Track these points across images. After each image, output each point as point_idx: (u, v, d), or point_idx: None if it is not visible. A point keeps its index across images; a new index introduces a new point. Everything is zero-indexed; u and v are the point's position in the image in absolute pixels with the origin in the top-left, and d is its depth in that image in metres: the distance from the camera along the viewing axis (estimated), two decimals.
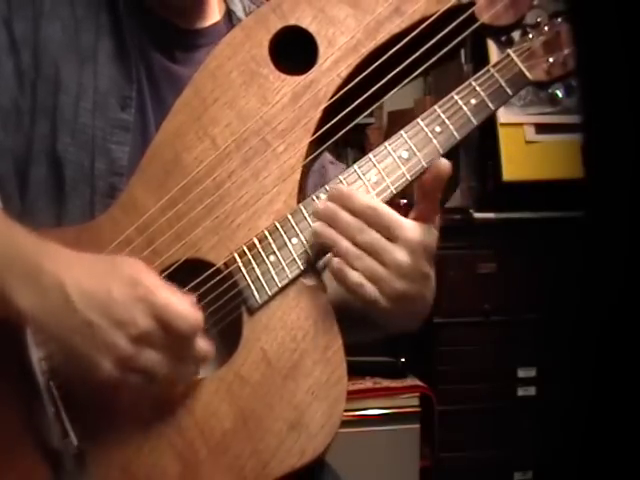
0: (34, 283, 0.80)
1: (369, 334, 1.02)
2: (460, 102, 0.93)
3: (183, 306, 0.81)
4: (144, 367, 0.80)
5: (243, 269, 0.88)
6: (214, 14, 1.06)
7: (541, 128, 2.39)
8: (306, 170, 0.93)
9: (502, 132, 2.37)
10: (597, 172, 0.45)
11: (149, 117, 0.99)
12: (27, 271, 0.81)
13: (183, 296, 0.83)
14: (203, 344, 0.83)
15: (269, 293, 0.88)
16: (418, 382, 2.31)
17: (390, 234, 0.85)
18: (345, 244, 0.85)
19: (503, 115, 2.34)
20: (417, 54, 0.91)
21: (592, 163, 0.45)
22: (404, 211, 0.88)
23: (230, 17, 1.08)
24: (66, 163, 0.94)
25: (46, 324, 0.80)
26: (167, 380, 0.82)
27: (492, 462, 2.34)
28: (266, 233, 0.89)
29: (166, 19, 1.02)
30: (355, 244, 0.85)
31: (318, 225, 0.87)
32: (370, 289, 0.84)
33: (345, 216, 0.86)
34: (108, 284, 0.80)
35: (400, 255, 0.84)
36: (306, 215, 0.90)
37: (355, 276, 0.84)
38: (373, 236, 0.85)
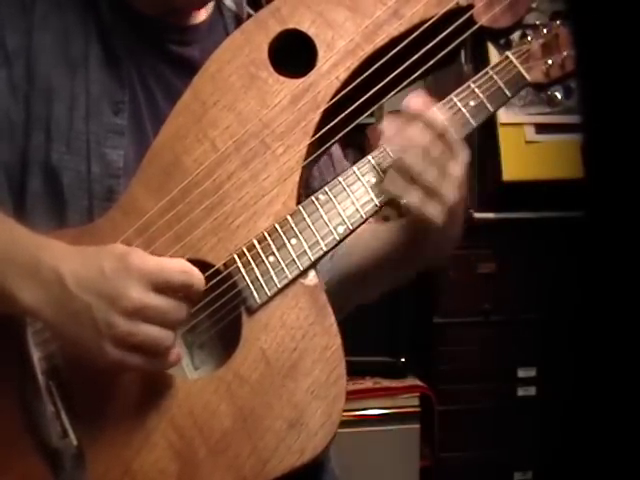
0: (34, 279, 0.81)
1: (397, 277, 1.10)
2: (459, 104, 0.94)
3: (177, 263, 0.83)
4: (143, 341, 0.80)
5: (242, 270, 0.89)
6: (203, 10, 1.06)
7: (541, 128, 2.39)
8: (305, 172, 0.93)
9: (502, 132, 2.37)
10: (597, 172, 0.45)
11: (144, 120, 0.99)
12: (27, 268, 0.82)
13: (170, 259, 0.85)
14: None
15: (268, 293, 0.88)
16: (418, 382, 2.31)
17: (452, 150, 0.90)
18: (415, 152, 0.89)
19: (503, 115, 2.34)
20: (416, 57, 0.91)
21: (592, 163, 0.45)
22: None
23: (220, 8, 1.08)
24: (62, 171, 0.94)
25: (50, 317, 0.82)
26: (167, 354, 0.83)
27: (492, 462, 2.34)
28: (265, 234, 0.90)
29: (156, 17, 1.01)
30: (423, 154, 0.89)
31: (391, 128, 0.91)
32: (433, 205, 0.89)
33: (419, 126, 0.89)
34: (99, 264, 0.81)
35: (458, 169, 0.92)
36: (305, 216, 0.90)
37: (420, 194, 0.88)
38: (442, 148, 0.90)
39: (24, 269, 0.82)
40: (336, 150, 1.13)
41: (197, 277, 0.83)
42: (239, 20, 1.05)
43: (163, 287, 0.81)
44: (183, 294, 0.83)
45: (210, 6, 1.07)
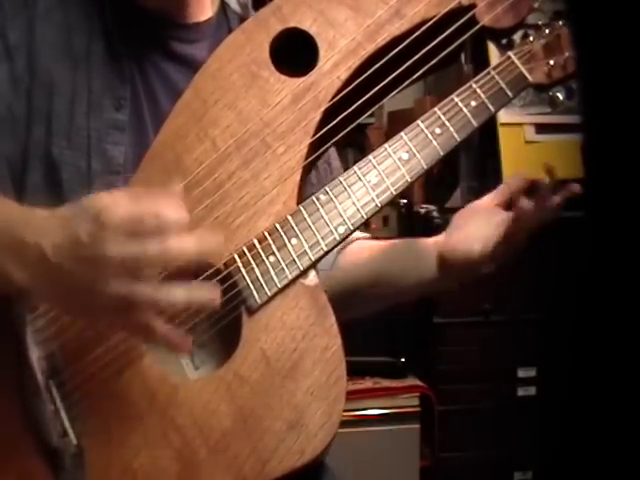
0: (21, 258, 0.80)
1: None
2: (460, 104, 0.93)
3: (148, 205, 0.77)
4: (129, 300, 0.77)
5: (242, 269, 0.89)
6: (208, 9, 1.06)
7: (541, 128, 2.39)
8: (306, 171, 0.93)
9: (502, 132, 2.37)
10: (597, 172, 0.45)
11: (144, 116, 0.99)
12: (14, 247, 0.80)
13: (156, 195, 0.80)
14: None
15: (268, 293, 0.88)
16: (418, 382, 2.31)
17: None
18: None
19: (503, 115, 2.34)
20: (417, 56, 0.91)
21: (592, 163, 0.45)
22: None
23: (224, 10, 1.08)
24: (62, 166, 0.94)
25: (40, 291, 0.81)
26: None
27: (492, 462, 2.34)
28: (266, 234, 0.90)
29: (159, 14, 1.02)
30: None
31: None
32: None
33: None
34: (74, 228, 0.78)
35: None
36: (306, 216, 0.90)
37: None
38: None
39: (12, 249, 0.80)
40: (334, 161, 1.13)
41: (175, 212, 0.77)
42: (244, 22, 1.05)
43: (139, 232, 0.76)
44: (161, 232, 0.77)
45: (215, 5, 1.07)
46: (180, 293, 0.79)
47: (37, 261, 0.79)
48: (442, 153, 0.93)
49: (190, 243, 0.78)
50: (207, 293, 0.80)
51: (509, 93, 0.94)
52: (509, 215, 1.00)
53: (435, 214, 2.34)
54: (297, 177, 0.92)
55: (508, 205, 1.02)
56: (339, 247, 1.07)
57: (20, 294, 0.83)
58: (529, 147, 2.39)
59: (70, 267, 0.77)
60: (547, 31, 0.96)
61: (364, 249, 1.12)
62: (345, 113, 0.91)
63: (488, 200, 1.04)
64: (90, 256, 0.77)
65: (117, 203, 0.78)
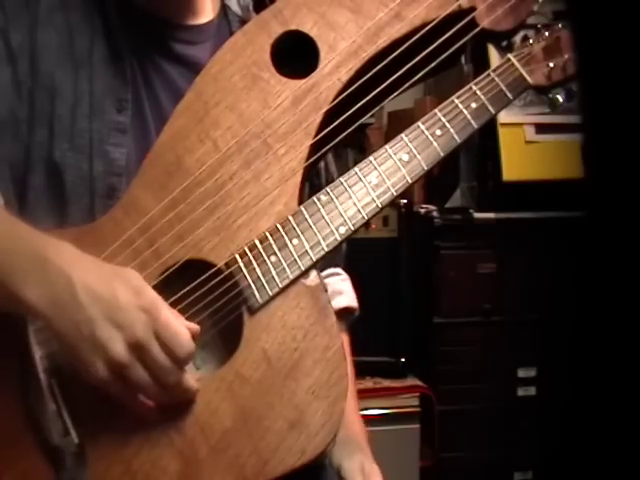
0: (41, 275, 0.81)
1: None
2: (460, 106, 0.94)
3: (182, 330, 0.83)
4: (132, 381, 0.82)
5: (244, 269, 0.89)
6: (209, 11, 1.06)
7: (541, 128, 2.39)
8: (307, 172, 0.93)
9: (502, 132, 2.37)
10: (597, 172, 0.45)
11: (147, 117, 0.99)
12: (33, 264, 0.82)
13: (184, 322, 0.85)
14: (191, 381, 0.85)
15: (270, 293, 0.88)
16: (418, 382, 2.31)
17: None
18: None
19: (503, 115, 2.34)
20: (417, 59, 0.91)
21: (592, 163, 0.45)
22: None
23: (226, 12, 1.09)
24: (65, 168, 0.94)
25: (51, 317, 0.81)
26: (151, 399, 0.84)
27: (492, 462, 2.34)
28: (267, 234, 0.90)
29: (161, 16, 1.02)
30: None
31: None
32: None
33: None
34: (114, 287, 0.82)
35: None
36: (307, 217, 0.91)
37: None
38: None
39: (30, 265, 0.82)
40: (331, 165, 1.13)
41: (188, 353, 0.83)
42: (245, 25, 1.05)
43: (164, 344, 0.82)
44: (173, 362, 0.83)
45: (216, 7, 1.07)
46: (163, 399, 0.84)
47: (59, 287, 0.81)
48: (442, 154, 0.93)
49: (190, 387, 0.85)
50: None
51: (509, 95, 0.94)
52: None
53: (435, 214, 2.34)
54: (298, 178, 0.92)
55: None
56: None
57: (24, 311, 0.83)
58: (529, 147, 2.39)
59: (95, 314, 0.81)
60: (547, 33, 0.96)
61: None
62: (346, 115, 0.91)
63: None
64: (120, 320, 0.81)
65: (159, 298, 0.84)
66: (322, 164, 1.11)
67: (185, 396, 0.85)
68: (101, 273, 0.83)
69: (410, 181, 0.93)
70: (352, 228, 0.91)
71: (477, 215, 2.37)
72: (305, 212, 0.91)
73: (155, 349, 0.81)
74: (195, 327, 0.85)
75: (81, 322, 0.80)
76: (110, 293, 0.81)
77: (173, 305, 0.86)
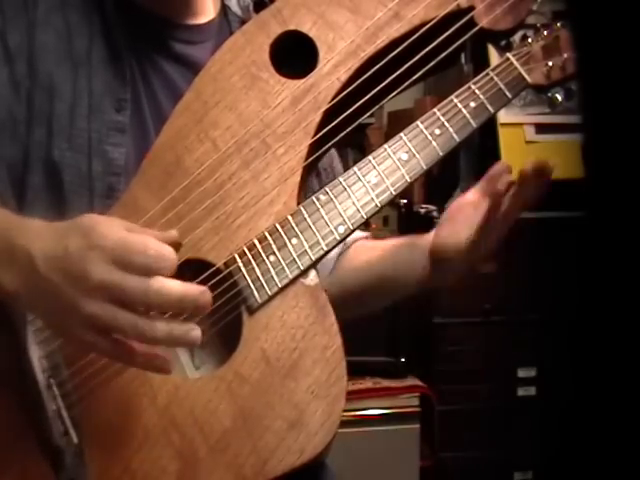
0: (11, 262, 0.80)
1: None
2: (459, 105, 0.94)
3: (140, 241, 0.77)
4: (109, 325, 0.76)
5: (243, 269, 0.89)
6: (209, 11, 1.06)
7: (541, 128, 2.39)
8: (306, 172, 0.94)
9: (502, 132, 2.37)
10: (597, 172, 0.45)
11: (146, 117, 0.99)
12: (4, 252, 0.81)
13: (152, 232, 0.80)
14: (181, 286, 0.77)
15: (269, 293, 0.88)
16: (418, 382, 2.31)
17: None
18: None
19: (503, 115, 2.34)
20: (416, 58, 0.91)
21: (592, 163, 0.45)
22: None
23: (226, 13, 1.09)
24: (63, 168, 0.94)
25: (27, 299, 0.80)
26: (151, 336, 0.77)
27: (492, 462, 2.34)
28: (266, 234, 0.90)
29: (160, 15, 1.02)
30: None
31: None
32: None
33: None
34: (65, 241, 0.78)
35: None
36: (306, 216, 0.91)
37: None
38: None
39: (4, 253, 0.81)
40: (338, 165, 1.14)
41: (163, 259, 0.76)
42: (244, 25, 1.05)
43: (125, 265, 0.76)
44: (144, 274, 0.76)
45: (216, 7, 1.07)
46: (161, 328, 0.77)
47: (25, 266, 0.79)
48: (441, 154, 0.93)
49: (173, 292, 0.77)
50: (189, 328, 0.78)
51: (508, 94, 0.95)
52: (488, 203, 0.96)
53: (435, 214, 2.34)
54: (297, 178, 0.92)
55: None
56: (339, 249, 1.07)
57: (10, 299, 0.82)
58: (529, 147, 2.39)
59: (54, 278, 0.77)
60: (546, 32, 0.96)
61: (364, 252, 1.12)
62: (345, 114, 0.91)
63: (475, 192, 1.03)
64: (74, 270, 0.77)
65: (111, 227, 0.78)
66: (327, 163, 1.11)
67: (180, 306, 0.78)
68: (56, 234, 0.80)
69: (409, 180, 0.93)
70: (351, 227, 0.91)
71: None
72: (304, 212, 0.91)
73: (115, 277, 0.76)
74: (170, 234, 0.81)
75: (48, 293, 0.78)
76: (63, 248, 0.78)
77: None
